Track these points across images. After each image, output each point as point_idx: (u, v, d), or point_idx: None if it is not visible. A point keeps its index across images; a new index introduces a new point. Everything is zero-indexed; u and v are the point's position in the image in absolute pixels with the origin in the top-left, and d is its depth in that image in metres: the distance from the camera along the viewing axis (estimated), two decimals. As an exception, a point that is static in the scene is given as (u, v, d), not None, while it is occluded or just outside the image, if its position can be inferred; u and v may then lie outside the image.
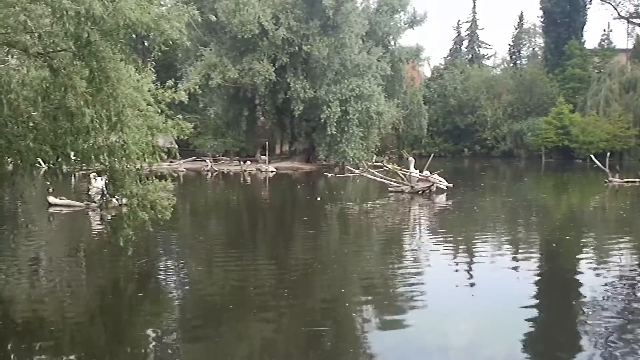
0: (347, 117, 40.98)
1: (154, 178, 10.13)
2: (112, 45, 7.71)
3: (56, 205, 19.43)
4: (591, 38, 64.90)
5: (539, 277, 11.42)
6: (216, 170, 40.90)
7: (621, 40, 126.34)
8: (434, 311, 8.94)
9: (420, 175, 26.04)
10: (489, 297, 9.74)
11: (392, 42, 49.93)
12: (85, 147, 8.18)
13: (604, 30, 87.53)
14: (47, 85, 7.92)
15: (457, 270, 11.79)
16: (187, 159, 42.16)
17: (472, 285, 10.66)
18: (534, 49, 77.36)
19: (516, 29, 76.35)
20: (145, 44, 42.76)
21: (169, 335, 8.00)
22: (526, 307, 9.07)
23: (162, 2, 9.28)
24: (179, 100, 10.34)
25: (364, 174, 30.15)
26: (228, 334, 7.98)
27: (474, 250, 13.95)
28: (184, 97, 10.44)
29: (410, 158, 28.72)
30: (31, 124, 8.46)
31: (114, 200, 11.44)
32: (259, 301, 9.36)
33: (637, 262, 12.82)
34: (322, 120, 40.65)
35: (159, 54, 9.42)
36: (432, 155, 39.04)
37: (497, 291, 10.16)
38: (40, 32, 7.29)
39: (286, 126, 46.96)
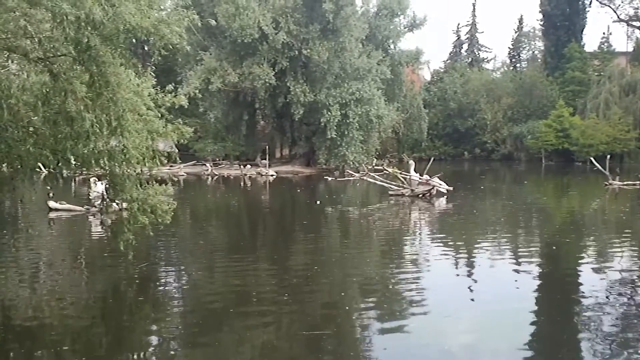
0: (347, 121, 41.00)
1: (154, 182, 10.14)
2: (112, 50, 7.72)
3: (56, 209, 19.43)
4: (591, 41, 64.74)
5: (539, 280, 11.41)
6: (216, 175, 40.88)
7: (621, 43, 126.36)
8: (434, 314, 8.93)
9: (420, 178, 26.04)
10: (489, 300, 9.72)
11: (392, 46, 50.02)
12: (86, 151, 8.19)
13: (604, 33, 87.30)
14: (47, 90, 7.93)
15: (457, 274, 11.78)
16: (187, 163, 42.13)
17: (472, 288, 10.63)
18: (533, 52, 77.48)
19: (516, 32, 76.48)
20: (145, 48, 42.91)
21: (169, 339, 7.99)
22: (527, 309, 9.07)
23: (162, 7, 9.28)
24: (179, 104, 10.38)
25: (364, 178, 30.17)
26: (228, 338, 7.97)
27: (474, 253, 13.94)
28: (184, 102, 10.48)
29: (411, 161, 28.75)
30: (31, 128, 8.47)
31: (114, 204, 11.46)
32: (259, 305, 9.36)
33: (637, 265, 12.80)
34: (322, 124, 40.67)
35: (159, 58, 9.46)
36: (432, 158, 39.01)
37: (498, 294, 10.14)
38: (40, 37, 7.32)
39: (286, 130, 46.98)
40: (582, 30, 61.92)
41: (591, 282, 10.88)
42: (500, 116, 61.42)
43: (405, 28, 49.97)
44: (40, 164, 9.77)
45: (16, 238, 15.43)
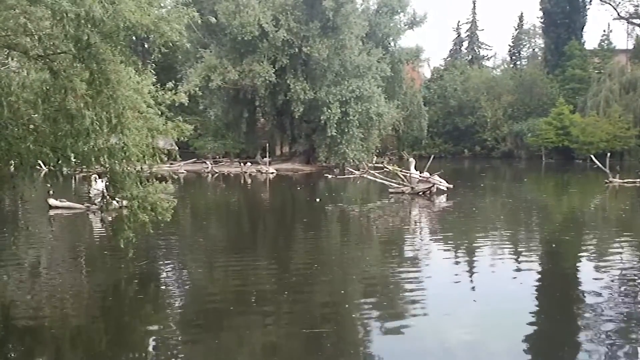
0: (347, 119, 40.98)
1: (154, 180, 10.13)
2: (112, 47, 7.70)
3: (57, 207, 19.42)
4: (591, 39, 64.70)
5: (539, 278, 11.41)
6: (216, 172, 40.90)
7: (621, 40, 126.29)
8: (434, 312, 8.93)
9: (420, 176, 26.05)
10: (489, 297, 9.72)
11: (392, 44, 50.01)
12: (86, 149, 8.18)
13: (604, 31, 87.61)
14: (47, 87, 7.92)
15: (457, 272, 11.77)
16: (187, 161, 42.14)
17: (472, 286, 10.64)
18: (534, 49, 77.38)
19: (516, 29, 76.36)
20: (145, 46, 42.86)
21: (169, 337, 7.99)
22: (527, 308, 9.07)
23: (162, 4, 9.25)
24: (179, 102, 10.36)
25: (364, 175, 30.17)
26: (229, 336, 7.98)
27: (475, 251, 13.94)
28: (184, 99, 10.46)
29: (411, 159, 28.74)
30: (31, 126, 8.46)
31: (114, 202, 11.43)
32: (259, 303, 9.36)
33: (637, 263, 12.81)
34: (322, 122, 40.66)
35: (159, 56, 9.44)
36: (432, 156, 39.04)
37: (498, 292, 10.15)
38: (40, 34, 7.29)
39: (286, 128, 46.97)
40: (583, 28, 61.84)
41: (591, 280, 10.88)
42: (501, 114, 61.40)
43: (405, 25, 49.97)
44: (40, 162, 9.76)
45: (16, 236, 15.42)
